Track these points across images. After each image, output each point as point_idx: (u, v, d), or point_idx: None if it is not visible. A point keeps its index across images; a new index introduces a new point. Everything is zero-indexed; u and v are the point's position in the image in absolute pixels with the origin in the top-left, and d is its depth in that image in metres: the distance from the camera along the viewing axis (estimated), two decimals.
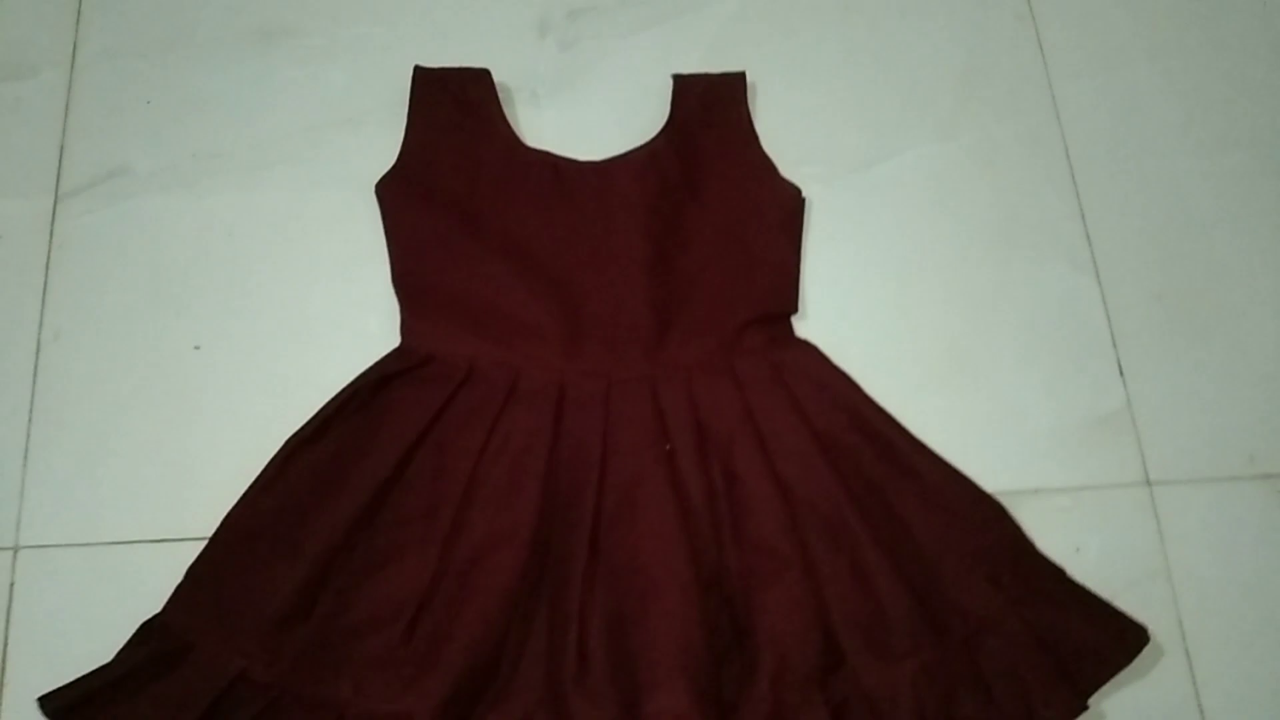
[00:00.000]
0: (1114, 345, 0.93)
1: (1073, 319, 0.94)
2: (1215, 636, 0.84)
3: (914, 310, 0.93)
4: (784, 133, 0.96)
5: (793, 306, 0.91)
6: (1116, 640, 0.79)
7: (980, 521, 0.83)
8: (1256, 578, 0.86)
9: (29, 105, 0.97)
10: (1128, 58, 1.03)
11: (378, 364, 0.86)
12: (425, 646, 0.76)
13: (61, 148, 0.95)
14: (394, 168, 0.92)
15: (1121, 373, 0.92)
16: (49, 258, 0.91)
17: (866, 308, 0.93)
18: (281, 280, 0.92)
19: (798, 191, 0.94)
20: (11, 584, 0.81)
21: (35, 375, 0.88)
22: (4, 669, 0.79)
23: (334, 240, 0.93)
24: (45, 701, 0.73)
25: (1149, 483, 0.88)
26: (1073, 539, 0.85)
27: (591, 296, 0.88)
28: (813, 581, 0.80)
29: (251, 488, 0.81)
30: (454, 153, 0.93)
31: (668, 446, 0.83)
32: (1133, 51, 1.04)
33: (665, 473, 0.82)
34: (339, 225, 0.93)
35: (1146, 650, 0.79)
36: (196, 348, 0.89)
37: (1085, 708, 0.76)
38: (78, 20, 1.00)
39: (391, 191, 0.91)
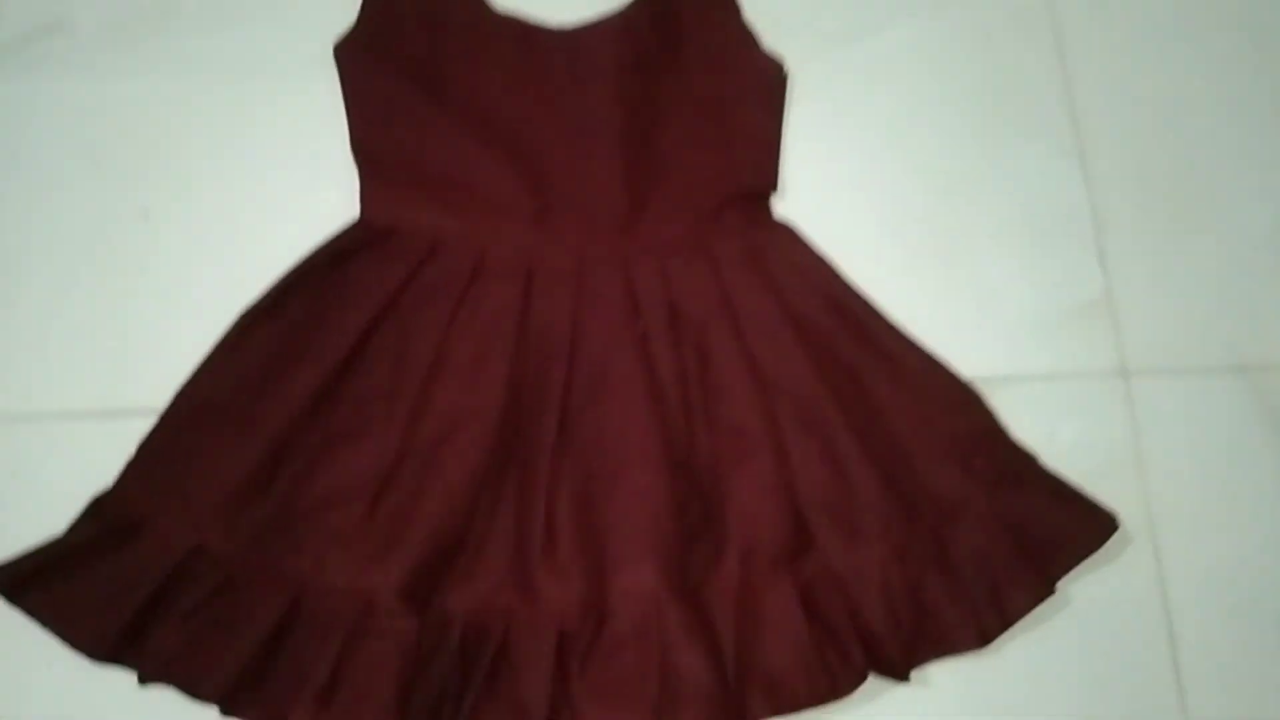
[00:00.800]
0: (1096, 233, 0.92)
1: (1055, 205, 0.93)
2: (1182, 526, 0.85)
3: (895, 192, 0.93)
4: (767, 3, 0.94)
5: (773, 184, 0.90)
6: (1085, 526, 0.79)
7: (955, 407, 0.83)
8: (1226, 469, 0.86)
9: None
10: None
11: (336, 236, 0.85)
12: (388, 523, 0.77)
13: None
14: (353, 29, 0.90)
15: (1102, 260, 0.92)
16: None
17: (847, 188, 0.92)
18: (234, 147, 0.91)
19: (780, 66, 0.93)
20: None
21: None
22: None
23: (290, 105, 0.91)
24: None
25: (1125, 372, 0.88)
26: (1047, 426, 0.85)
27: (562, 170, 0.87)
28: (784, 464, 0.80)
29: (206, 361, 0.81)
30: (416, 15, 0.91)
31: (640, 327, 0.83)
32: None
33: (637, 353, 0.82)
34: (295, 89, 0.91)
35: (1114, 537, 0.79)
36: (144, 217, 0.88)
37: (1052, 592, 0.77)
38: None
39: (351, 55, 0.90)
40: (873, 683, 0.76)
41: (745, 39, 0.92)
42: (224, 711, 0.72)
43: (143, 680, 0.72)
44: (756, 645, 0.75)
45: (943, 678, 0.79)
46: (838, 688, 0.74)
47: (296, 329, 0.81)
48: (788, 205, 0.90)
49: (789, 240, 0.88)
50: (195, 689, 0.72)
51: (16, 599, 0.72)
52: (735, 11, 0.93)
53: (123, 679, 0.73)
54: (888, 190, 0.93)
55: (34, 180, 0.89)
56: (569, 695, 0.73)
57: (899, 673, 0.76)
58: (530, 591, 0.76)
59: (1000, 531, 0.79)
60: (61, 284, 0.86)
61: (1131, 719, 0.80)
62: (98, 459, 0.77)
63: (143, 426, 0.78)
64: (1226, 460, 0.87)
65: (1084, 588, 0.82)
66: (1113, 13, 0.99)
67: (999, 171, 0.94)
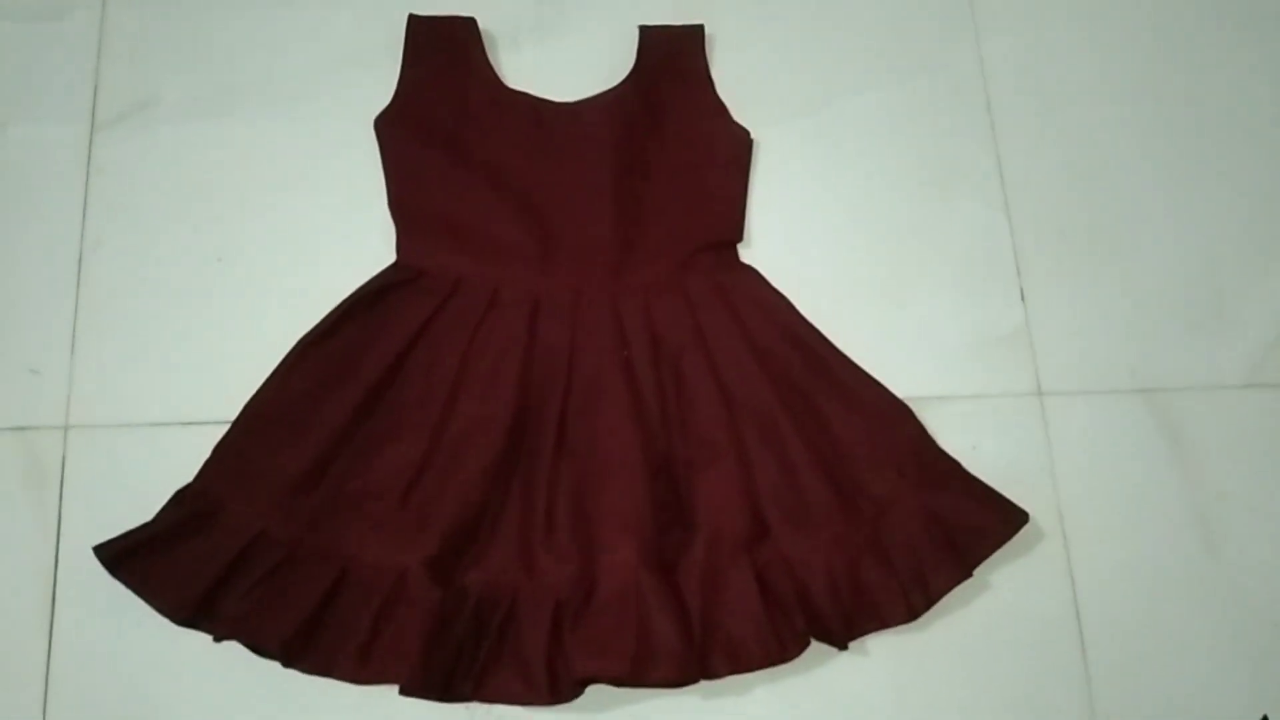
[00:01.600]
0: (1018, 273, 1.00)
1: (983, 250, 1.01)
2: (1089, 525, 0.92)
3: (844, 240, 1.01)
4: (737, 80, 1.03)
5: (739, 235, 0.99)
6: (1001, 520, 0.87)
7: (891, 421, 0.91)
8: (1128, 478, 0.94)
9: (65, 42, 1.03)
10: (1052, 16, 1.10)
11: (377, 277, 0.94)
12: (417, 512, 0.86)
13: (96, 82, 1.02)
14: (390, 105, 1.00)
15: (1023, 297, 0.99)
16: (87, 179, 0.99)
17: (802, 237, 1.00)
18: (292, 202, 0.99)
19: (747, 133, 1.01)
20: (63, 456, 0.91)
21: (79, 278, 0.96)
22: (59, 527, 0.88)
23: (339, 168, 1.00)
24: (98, 550, 0.82)
25: (1040, 393, 0.96)
26: (970, 439, 0.92)
27: (563, 222, 0.96)
28: (744, 467, 0.89)
29: (269, 379, 0.90)
30: (443, 93, 1.00)
31: (626, 353, 0.92)
32: (1057, 9, 1.11)
33: (623, 374, 0.91)
34: (343, 154, 1.00)
35: (1029, 532, 0.87)
36: (219, 260, 0.97)
37: (969, 575, 0.85)
38: None
39: (388, 127, 0.99)
40: (817, 650, 0.83)
41: (717, 111, 1.02)
42: (284, 664, 0.81)
43: (217, 639, 0.82)
44: (718, 615, 0.82)
45: (877, 648, 0.87)
46: (786, 653, 0.82)
47: (345, 351, 0.90)
48: (753, 252, 0.99)
49: (753, 281, 0.96)
50: (260, 645, 0.81)
51: (115, 570, 0.82)
52: (709, 88, 1.03)
53: (200, 637, 0.83)
54: (838, 238, 1.00)
55: (131, 229, 0.97)
56: (562, 650, 0.80)
57: (839, 642, 0.83)
58: (533, 569, 0.85)
59: (926, 524, 0.86)
60: (152, 315, 0.95)
61: (1040, 685, 0.87)
62: (181, 460, 0.87)
63: (218, 433, 0.88)
64: (1128, 471, 0.94)
65: (1002, 577, 0.89)
66: (1041, 84, 1.07)
67: (935, 221, 1.01)
